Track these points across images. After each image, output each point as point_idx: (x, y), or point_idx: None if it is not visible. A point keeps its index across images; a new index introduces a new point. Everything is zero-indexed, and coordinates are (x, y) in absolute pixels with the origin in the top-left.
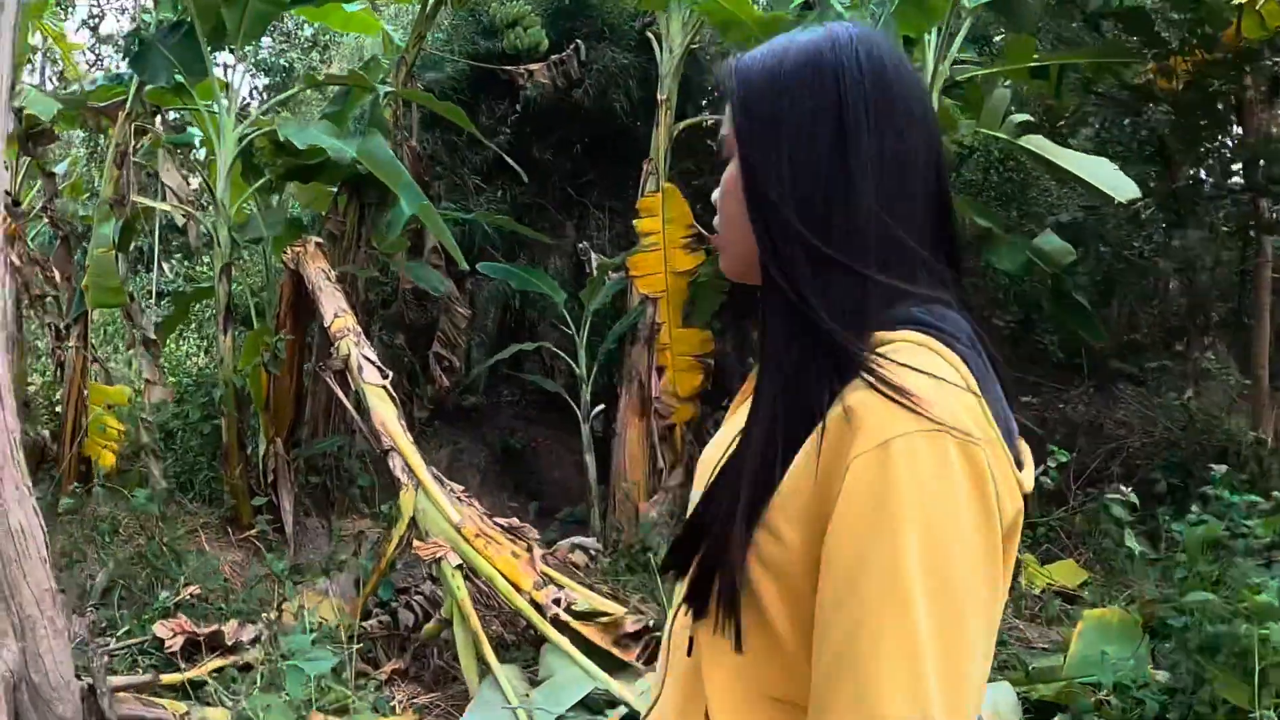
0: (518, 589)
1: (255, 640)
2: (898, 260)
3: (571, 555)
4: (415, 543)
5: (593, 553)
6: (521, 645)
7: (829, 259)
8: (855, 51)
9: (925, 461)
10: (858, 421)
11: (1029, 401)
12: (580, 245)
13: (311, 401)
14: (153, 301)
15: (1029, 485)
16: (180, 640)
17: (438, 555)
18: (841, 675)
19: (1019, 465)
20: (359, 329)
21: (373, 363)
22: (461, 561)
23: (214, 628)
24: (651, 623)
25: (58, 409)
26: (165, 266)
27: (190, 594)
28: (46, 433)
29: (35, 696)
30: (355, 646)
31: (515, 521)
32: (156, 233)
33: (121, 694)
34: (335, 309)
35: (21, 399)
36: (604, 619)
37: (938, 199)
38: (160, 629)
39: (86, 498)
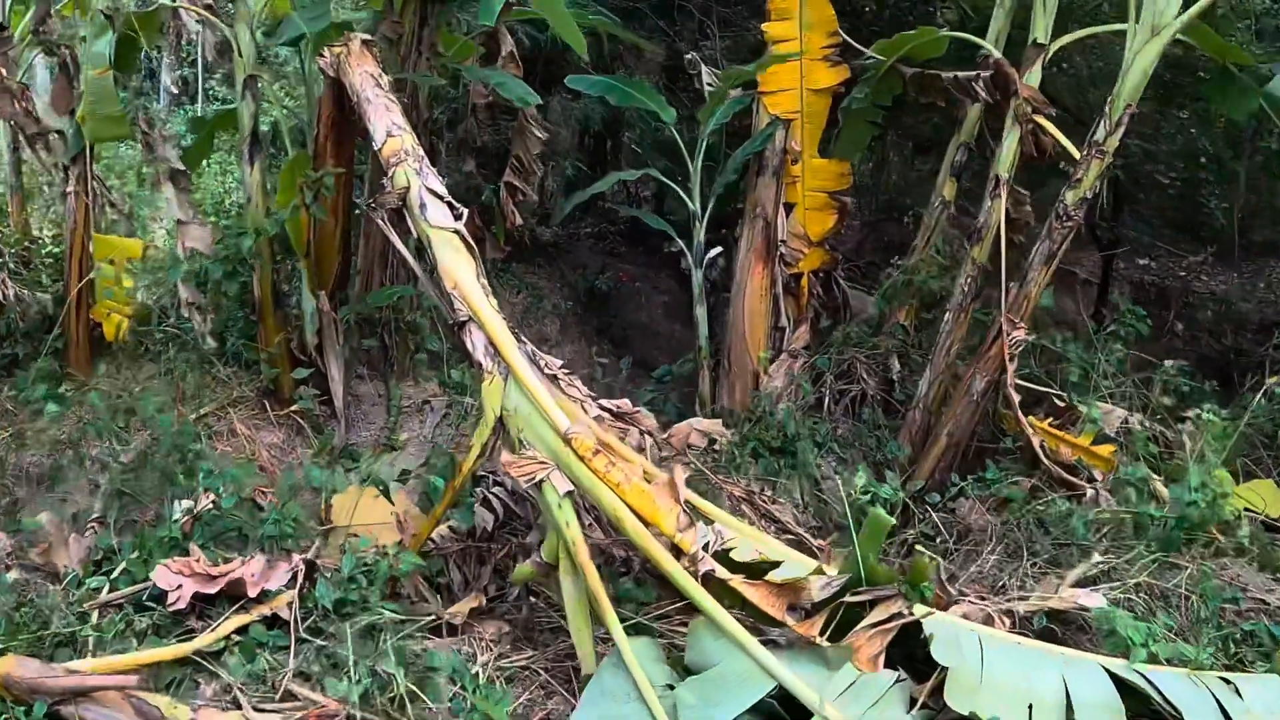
0: (647, 524)
1: (291, 580)
2: None
3: (690, 438)
4: (505, 458)
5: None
6: (646, 581)
7: None
8: None
9: None
10: None
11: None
12: (688, 56)
13: (365, 245)
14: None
15: None
16: (186, 594)
17: (537, 477)
18: None
19: None
20: (420, 152)
21: (440, 197)
22: (572, 486)
23: (232, 569)
24: (841, 583)
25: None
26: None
27: (211, 503)
28: (48, 297)
29: None
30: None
31: (625, 404)
32: (200, 60)
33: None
34: (388, 126)
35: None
36: (778, 577)
37: None
38: (162, 576)
39: (96, 374)
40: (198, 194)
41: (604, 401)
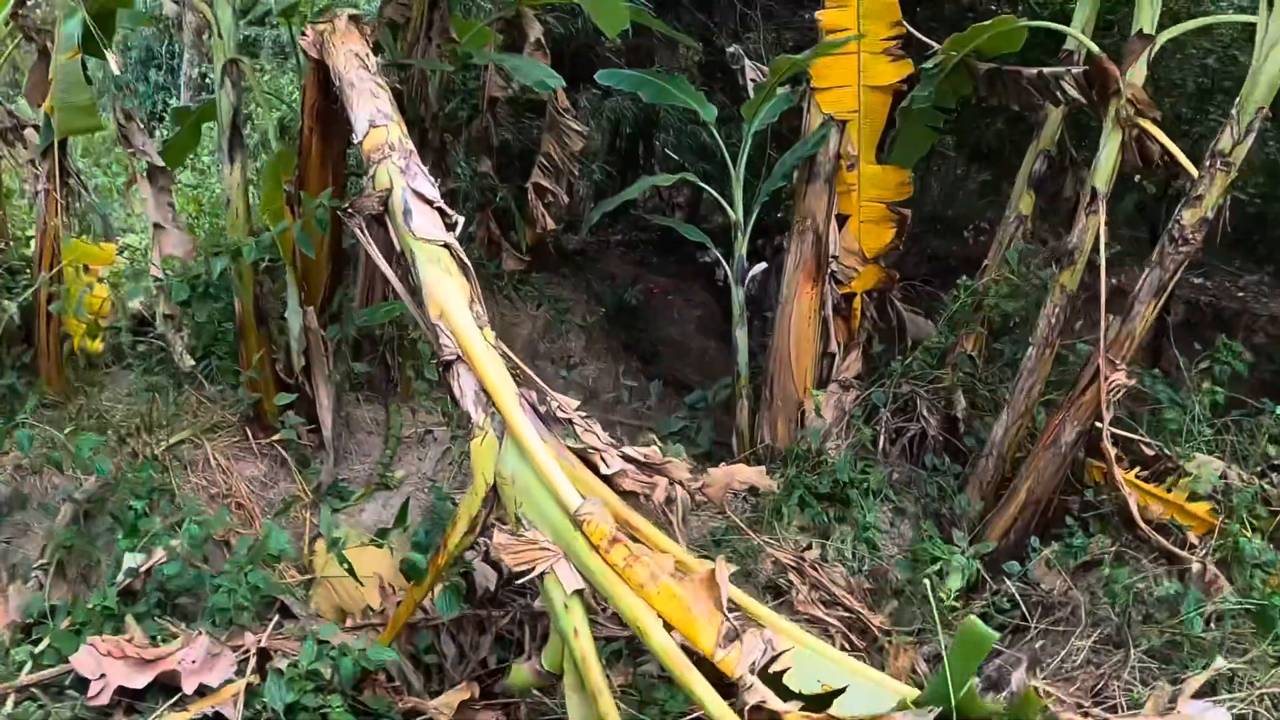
0: (673, 628)
1: (243, 664)
2: None
3: (730, 487)
4: (498, 539)
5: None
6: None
7: None
8: None
9: None
10: None
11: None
12: (730, 49)
13: (366, 255)
14: None
15: None
16: (110, 686)
17: (537, 569)
18: None
19: None
20: (409, 146)
21: (428, 202)
22: (583, 584)
23: (169, 653)
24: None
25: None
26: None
27: (166, 556)
28: (14, 306)
29: None
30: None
31: (654, 454)
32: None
33: None
34: (372, 114)
35: None
36: (848, 713)
37: None
38: (85, 661)
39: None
40: (200, 189)
41: (629, 450)
